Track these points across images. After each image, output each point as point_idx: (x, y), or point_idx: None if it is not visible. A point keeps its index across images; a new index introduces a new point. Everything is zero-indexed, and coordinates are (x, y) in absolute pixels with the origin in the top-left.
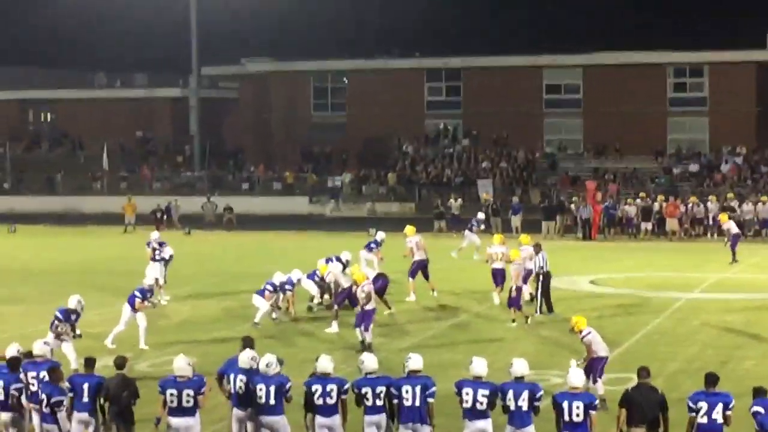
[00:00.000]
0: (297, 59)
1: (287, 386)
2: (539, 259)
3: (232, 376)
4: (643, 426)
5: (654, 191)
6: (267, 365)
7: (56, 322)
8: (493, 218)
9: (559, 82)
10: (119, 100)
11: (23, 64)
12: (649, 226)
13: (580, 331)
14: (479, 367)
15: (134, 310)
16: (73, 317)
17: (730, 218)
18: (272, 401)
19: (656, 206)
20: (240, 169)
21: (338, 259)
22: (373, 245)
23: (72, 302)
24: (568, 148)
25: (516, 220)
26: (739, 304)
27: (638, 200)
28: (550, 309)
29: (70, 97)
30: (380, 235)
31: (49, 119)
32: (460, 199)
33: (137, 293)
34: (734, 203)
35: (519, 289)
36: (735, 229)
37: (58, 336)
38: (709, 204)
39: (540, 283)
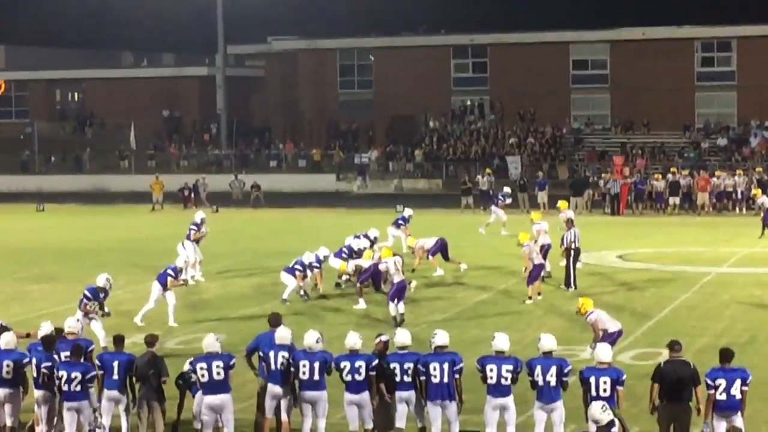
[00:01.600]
0: (323, 37)
1: (330, 362)
2: (570, 235)
3: (271, 354)
4: (678, 402)
5: (682, 166)
6: (317, 341)
7: (84, 300)
8: (520, 194)
9: (585, 58)
10: (146, 80)
11: (51, 44)
12: (678, 200)
13: (585, 312)
14: (501, 342)
15: (165, 288)
16: (101, 295)
17: (764, 193)
18: (316, 377)
19: (684, 181)
20: (267, 147)
21: (366, 236)
22: (400, 221)
23: (100, 280)
24: (595, 124)
25: (542, 196)
26: (764, 278)
27: (668, 175)
28: (568, 285)
29: (97, 76)
30: (408, 212)
31: (76, 99)
32: (488, 175)
33: (170, 271)
34: (764, 177)
35: (539, 266)
36: None
37: (86, 314)
38: (737, 178)
39: (571, 259)
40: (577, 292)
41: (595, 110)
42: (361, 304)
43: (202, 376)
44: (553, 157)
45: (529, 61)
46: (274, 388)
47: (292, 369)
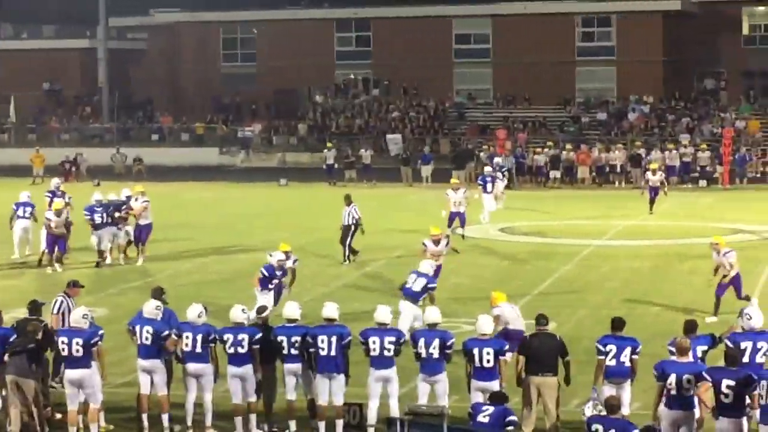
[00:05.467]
0: (206, 10)
1: (213, 335)
2: (354, 212)
3: (137, 328)
4: (543, 373)
5: (562, 140)
6: (199, 315)
7: None
8: (403, 168)
9: (468, 32)
10: (26, 52)
11: None
12: (558, 174)
13: (493, 306)
14: (383, 314)
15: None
16: None
17: (636, 167)
18: (199, 349)
19: (565, 154)
20: (149, 121)
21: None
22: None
23: None
24: (477, 98)
25: (426, 170)
26: (647, 250)
27: (547, 149)
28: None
29: None
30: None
31: None
32: (370, 149)
33: None
34: (641, 151)
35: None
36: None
37: None
38: (616, 152)
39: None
40: (461, 270)
41: (477, 84)
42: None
43: (63, 350)
44: (436, 131)
45: (412, 36)
46: (141, 362)
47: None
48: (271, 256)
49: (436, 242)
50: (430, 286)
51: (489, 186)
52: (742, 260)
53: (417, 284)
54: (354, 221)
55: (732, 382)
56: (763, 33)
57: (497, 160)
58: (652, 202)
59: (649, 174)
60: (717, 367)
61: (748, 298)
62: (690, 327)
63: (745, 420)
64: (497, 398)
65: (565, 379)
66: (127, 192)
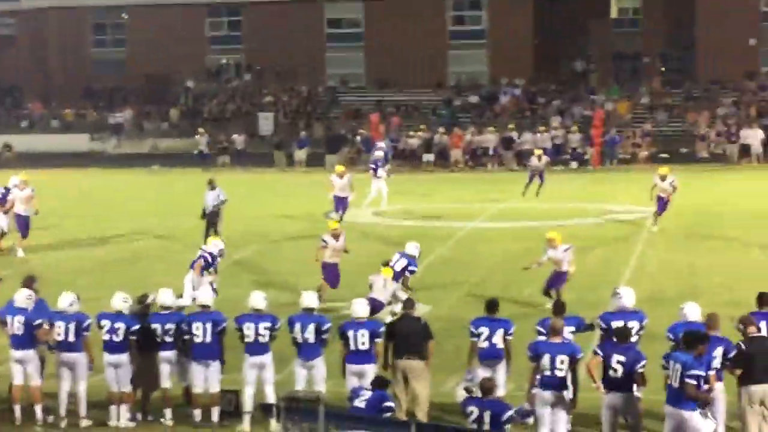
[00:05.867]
0: None
1: (85, 322)
2: (221, 194)
3: (8, 318)
4: (408, 356)
5: (435, 123)
6: (71, 304)
7: None
8: (276, 152)
9: (340, 16)
10: None
11: None
12: (432, 157)
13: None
14: (257, 300)
15: None
16: None
17: (507, 149)
18: (71, 338)
19: (437, 138)
20: (18, 107)
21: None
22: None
23: None
24: (350, 82)
25: (300, 154)
26: (520, 232)
27: (420, 132)
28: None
29: None
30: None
31: None
32: (243, 135)
33: None
34: (513, 134)
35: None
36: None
37: None
38: (489, 135)
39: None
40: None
41: (350, 69)
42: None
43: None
44: (309, 115)
45: (285, 20)
46: (13, 353)
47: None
48: (207, 246)
49: (336, 237)
50: (410, 268)
51: (380, 170)
52: (613, 241)
53: (398, 264)
54: (221, 204)
55: (623, 358)
56: (631, 16)
57: (382, 144)
58: (540, 184)
59: (534, 159)
60: (608, 343)
61: (549, 295)
62: (558, 308)
63: (634, 394)
64: (377, 383)
65: (427, 362)
66: (15, 180)
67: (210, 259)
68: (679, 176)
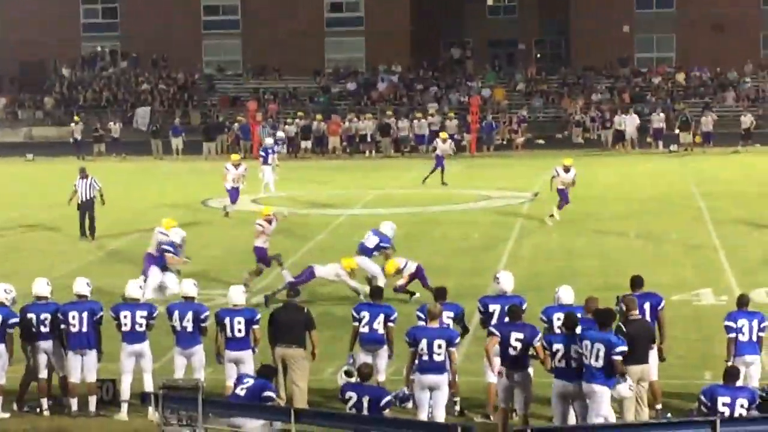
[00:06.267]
0: None
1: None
2: (95, 183)
3: None
4: (287, 345)
5: (313, 110)
6: None
7: None
8: (153, 140)
9: (216, 3)
10: None
11: None
12: (309, 144)
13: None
14: (133, 289)
15: None
16: None
17: (385, 135)
18: None
19: (315, 125)
20: None
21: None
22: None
23: None
24: (227, 70)
25: (177, 142)
26: (399, 218)
27: (298, 119)
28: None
29: None
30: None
31: None
32: (119, 123)
33: None
34: (391, 121)
35: None
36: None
37: None
38: (366, 122)
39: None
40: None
41: (226, 56)
42: None
43: None
44: (186, 103)
45: (161, 7)
46: None
47: None
48: (161, 234)
49: (269, 221)
50: (382, 244)
51: (270, 158)
52: (491, 226)
53: (370, 241)
54: (94, 195)
55: (521, 335)
56: (506, 3)
57: (280, 134)
58: (442, 170)
59: (438, 142)
60: (504, 323)
61: (401, 290)
62: (439, 294)
63: (528, 371)
64: (263, 372)
65: (312, 352)
66: None
67: (173, 249)
68: (555, 162)
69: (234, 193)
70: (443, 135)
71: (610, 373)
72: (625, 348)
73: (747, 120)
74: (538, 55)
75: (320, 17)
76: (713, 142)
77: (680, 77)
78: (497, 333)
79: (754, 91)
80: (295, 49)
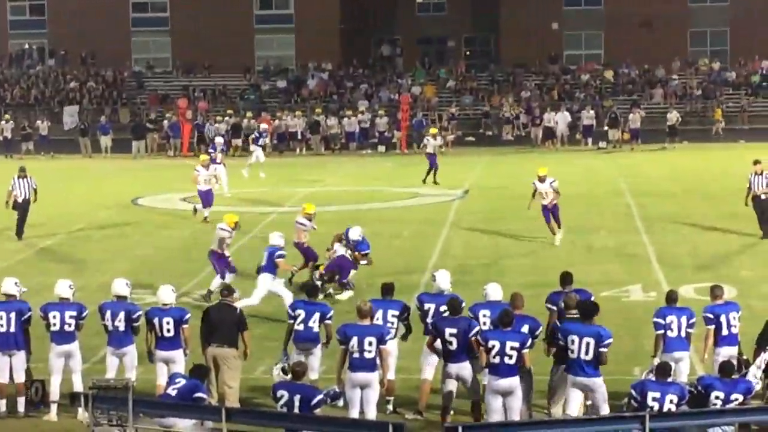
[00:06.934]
0: None
1: None
2: (32, 182)
3: None
4: (217, 344)
5: (243, 108)
6: None
7: None
8: (81, 139)
9: (145, 1)
10: None
11: None
12: (240, 142)
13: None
14: (63, 289)
15: None
16: None
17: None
18: None
19: (245, 122)
20: None
21: None
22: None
23: None
24: (156, 67)
25: (105, 140)
26: (330, 216)
27: (227, 117)
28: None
29: None
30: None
31: None
32: (47, 121)
33: None
34: (321, 118)
35: None
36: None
37: None
38: (296, 119)
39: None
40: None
41: (156, 53)
42: None
43: None
44: (114, 101)
45: (89, 4)
46: None
47: None
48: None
49: (310, 218)
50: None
51: (219, 156)
52: (421, 223)
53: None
54: (31, 194)
55: (454, 330)
56: (436, 1)
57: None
58: (435, 170)
59: (429, 139)
60: (441, 318)
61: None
62: (386, 289)
63: (468, 363)
64: (195, 372)
65: (243, 352)
66: None
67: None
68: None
69: (207, 195)
70: (432, 131)
71: (598, 365)
72: (611, 340)
73: (673, 117)
74: (468, 53)
75: (250, 14)
76: (641, 139)
77: (609, 74)
78: (432, 329)
79: (682, 88)
80: (225, 47)
